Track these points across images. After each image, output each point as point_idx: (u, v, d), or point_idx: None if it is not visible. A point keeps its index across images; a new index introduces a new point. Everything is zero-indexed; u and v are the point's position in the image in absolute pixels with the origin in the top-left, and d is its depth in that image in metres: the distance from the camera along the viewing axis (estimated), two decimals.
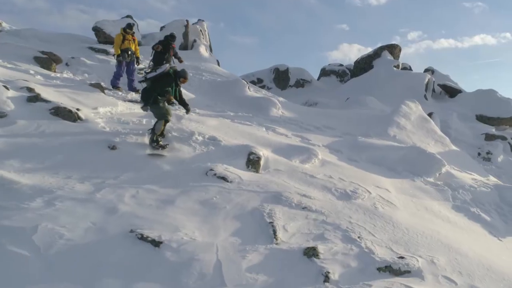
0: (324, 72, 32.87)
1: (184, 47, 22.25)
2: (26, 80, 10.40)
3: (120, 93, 12.50)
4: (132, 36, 13.04)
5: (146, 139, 8.59)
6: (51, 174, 6.57)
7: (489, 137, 21.05)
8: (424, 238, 7.48)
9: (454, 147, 16.68)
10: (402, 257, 6.39)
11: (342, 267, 5.91)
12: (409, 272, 6.02)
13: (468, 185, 12.25)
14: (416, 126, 16.08)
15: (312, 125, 15.03)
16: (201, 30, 22.98)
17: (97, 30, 18.68)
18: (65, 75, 13.42)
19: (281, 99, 17.52)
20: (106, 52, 17.52)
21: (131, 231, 5.41)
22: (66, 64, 14.73)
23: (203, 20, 23.21)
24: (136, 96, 12.72)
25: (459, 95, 26.69)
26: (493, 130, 22.00)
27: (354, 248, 6.45)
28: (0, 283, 4.43)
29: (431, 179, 11.77)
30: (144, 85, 9.05)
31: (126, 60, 12.79)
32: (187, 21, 21.06)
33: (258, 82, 28.59)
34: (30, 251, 4.82)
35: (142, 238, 5.29)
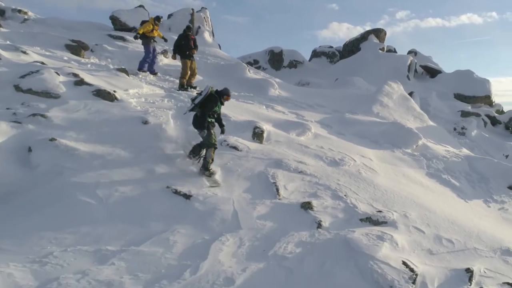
0: (315, 54, 32.88)
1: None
2: (70, 67, 11.41)
3: (140, 75, 13.39)
4: (158, 27, 14.10)
5: (191, 161, 8.37)
6: (101, 143, 7.64)
7: (465, 114, 21.32)
8: (399, 197, 8.52)
9: (431, 123, 17.29)
10: (380, 211, 7.48)
11: (332, 217, 6.99)
12: (385, 222, 7.09)
13: (441, 155, 13.09)
14: (397, 104, 16.73)
15: (305, 103, 15.68)
16: (204, 18, 23.28)
17: (113, 18, 19.12)
18: (92, 61, 14.14)
19: (277, 80, 17.86)
20: (123, 39, 17.84)
21: (167, 187, 6.57)
22: (91, 51, 15.30)
23: (206, 8, 23.62)
24: (154, 78, 13.75)
25: (439, 75, 26.84)
26: (469, 107, 22.21)
27: (341, 204, 7.51)
28: (76, 223, 5.59)
29: (409, 150, 12.58)
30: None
31: (153, 45, 13.81)
32: (192, 9, 21.50)
33: (254, 63, 28.64)
34: (95, 201, 5.98)
35: (176, 192, 6.44)
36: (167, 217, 6.00)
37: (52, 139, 7.23)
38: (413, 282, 5.58)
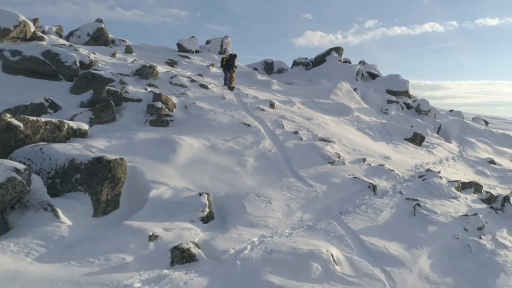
0: (295, 63, 36.64)
1: (221, 52, 28.64)
2: (183, 76, 17.43)
3: (221, 86, 18.76)
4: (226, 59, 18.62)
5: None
6: (212, 105, 13.99)
7: (390, 102, 25.89)
8: (338, 134, 14.98)
9: (366, 106, 23.27)
10: (328, 137, 14.12)
11: (306, 137, 13.22)
12: (330, 141, 13.58)
13: (367, 121, 19.10)
14: (345, 94, 22.68)
15: (292, 93, 21.46)
16: (228, 42, 29.31)
17: (179, 44, 25.44)
18: (179, 70, 19.79)
19: (274, 81, 23.71)
20: (188, 58, 23.39)
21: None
22: (177, 64, 20.98)
23: (228, 36, 29.41)
24: (225, 87, 18.79)
25: (377, 78, 31.18)
26: (394, 98, 27.33)
27: (311, 133, 13.76)
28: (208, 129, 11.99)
29: (348, 118, 18.64)
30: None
31: (227, 70, 18.56)
32: (222, 38, 28.04)
33: (254, 70, 33.71)
34: (216, 122, 12.38)
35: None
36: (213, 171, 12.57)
37: (193, 103, 13.57)
38: (338, 157, 12.16)
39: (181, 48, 25.15)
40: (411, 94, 29.71)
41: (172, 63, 19.84)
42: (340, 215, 8.35)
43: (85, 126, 9.60)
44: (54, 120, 8.91)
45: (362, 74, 31.65)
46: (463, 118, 29.37)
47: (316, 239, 7.00)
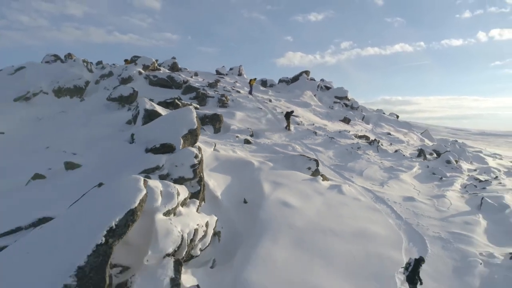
0: (280, 80, 43.52)
1: (239, 74, 39.88)
2: (227, 86, 29.02)
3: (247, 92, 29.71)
4: (253, 81, 29.26)
5: None
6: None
7: (335, 102, 36.05)
8: (303, 115, 26.64)
9: (320, 103, 35.31)
10: (297, 115, 25.78)
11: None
12: (298, 117, 25.34)
13: (318, 111, 30.99)
14: (307, 97, 34.12)
15: (279, 96, 32.64)
16: (242, 69, 40.51)
17: (216, 71, 36.65)
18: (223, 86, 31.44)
19: (270, 90, 35.40)
20: (223, 77, 34.88)
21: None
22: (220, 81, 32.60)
23: (242, 65, 40.87)
24: (250, 96, 30.02)
25: (330, 89, 39.62)
26: (338, 100, 38.19)
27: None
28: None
29: (309, 109, 30.42)
30: None
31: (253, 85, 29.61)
32: (239, 66, 39.63)
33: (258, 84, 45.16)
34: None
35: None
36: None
37: (236, 98, 25.06)
38: (301, 122, 23.75)
39: (217, 72, 36.46)
40: (349, 98, 41.29)
41: (218, 79, 31.21)
42: (301, 141, 19.87)
43: (198, 106, 20.97)
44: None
45: (321, 87, 42.94)
46: (384, 113, 41.12)
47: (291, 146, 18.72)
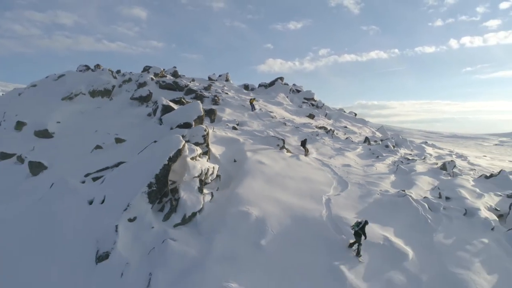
0: (260, 85, 46.68)
1: (226, 80, 44.80)
2: (218, 89, 34.02)
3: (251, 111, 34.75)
4: (253, 100, 33.20)
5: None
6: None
7: (303, 102, 42.92)
8: (276, 111, 31.91)
9: (291, 103, 40.51)
10: (272, 111, 31.02)
11: (264, 110, 30.26)
12: (272, 112, 30.55)
13: (289, 108, 36.14)
14: (281, 98, 39.37)
15: (258, 97, 38.06)
16: (229, 75, 45.67)
17: (209, 77, 41.51)
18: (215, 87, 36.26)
19: (251, 93, 40.56)
20: (214, 82, 40.07)
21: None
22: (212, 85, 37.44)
23: (228, 72, 45.74)
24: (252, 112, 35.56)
25: (300, 92, 45.22)
26: (306, 101, 45.23)
27: (266, 110, 30.81)
28: None
29: (281, 107, 35.63)
30: None
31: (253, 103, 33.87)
32: (226, 73, 44.54)
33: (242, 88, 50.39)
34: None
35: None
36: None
37: (225, 98, 30.05)
38: (275, 117, 28.95)
39: (209, 78, 41.27)
40: (316, 99, 46.89)
41: (210, 84, 36.04)
42: (273, 129, 25.00)
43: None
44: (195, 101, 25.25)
45: (293, 90, 48.38)
46: (344, 112, 46.79)
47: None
